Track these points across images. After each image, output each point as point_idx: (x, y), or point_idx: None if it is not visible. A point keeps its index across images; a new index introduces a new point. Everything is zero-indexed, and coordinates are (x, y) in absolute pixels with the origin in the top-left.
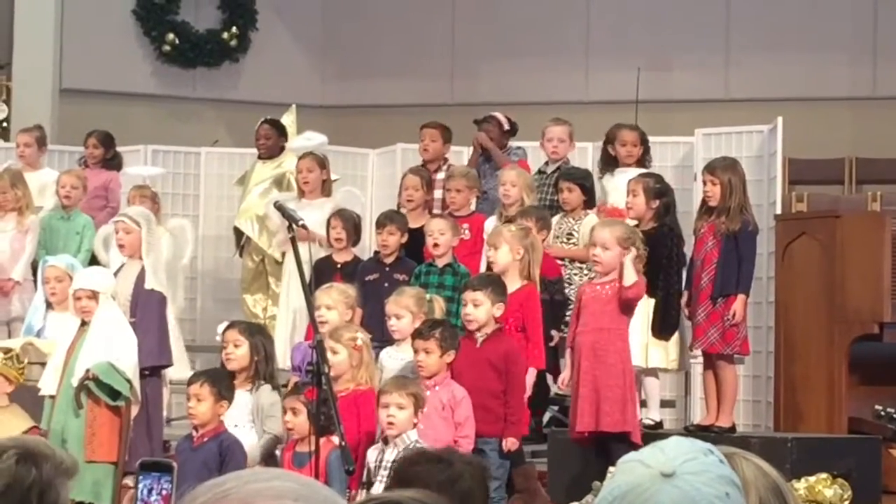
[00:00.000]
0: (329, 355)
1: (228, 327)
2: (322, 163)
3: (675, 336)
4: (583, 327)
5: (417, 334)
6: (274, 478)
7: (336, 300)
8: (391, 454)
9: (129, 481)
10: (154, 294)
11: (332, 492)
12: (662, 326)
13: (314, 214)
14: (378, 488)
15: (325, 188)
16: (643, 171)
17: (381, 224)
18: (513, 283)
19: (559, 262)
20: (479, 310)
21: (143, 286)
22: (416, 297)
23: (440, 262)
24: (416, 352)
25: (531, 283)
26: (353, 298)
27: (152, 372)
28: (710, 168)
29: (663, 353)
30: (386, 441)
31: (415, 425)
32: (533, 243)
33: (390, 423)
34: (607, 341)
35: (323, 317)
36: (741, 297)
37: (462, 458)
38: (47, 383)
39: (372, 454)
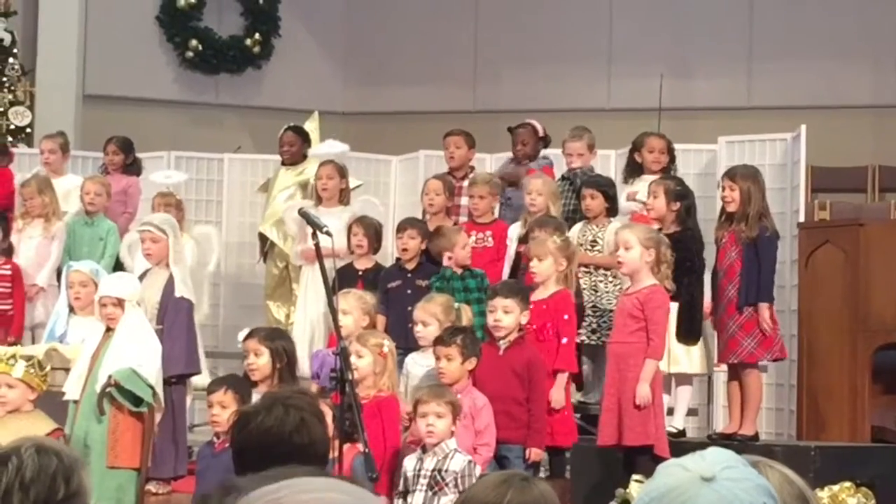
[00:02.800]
0: (354, 359)
1: (248, 336)
2: (342, 171)
3: (701, 341)
4: (611, 337)
5: (439, 341)
6: (326, 488)
7: (352, 305)
8: (430, 463)
9: (151, 487)
10: (183, 302)
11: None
12: (687, 331)
13: (332, 223)
14: (418, 497)
15: (344, 197)
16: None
17: (401, 229)
18: (548, 289)
19: (584, 269)
20: (509, 317)
21: (171, 293)
22: (444, 306)
23: (456, 268)
24: (437, 358)
25: (566, 288)
26: (370, 305)
27: (179, 379)
28: (730, 174)
29: (687, 358)
30: (424, 449)
31: (452, 433)
32: (574, 252)
33: (430, 432)
34: (629, 354)
35: (339, 321)
36: (764, 305)
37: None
38: (71, 388)
39: (409, 462)
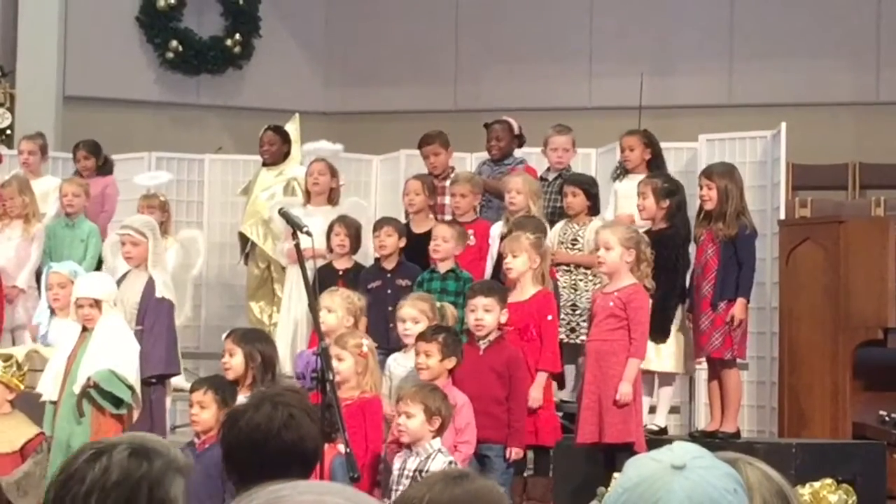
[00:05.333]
0: (335, 362)
1: (227, 335)
2: (334, 171)
3: (675, 339)
4: (590, 336)
5: (421, 336)
6: (328, 492)
7: (337, 304)
8: (413, 463)
9: None
10: (164, 303)
11: None
12: (657, 329)
13: (319, 222)
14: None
15: (332, 197)
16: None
17: (377, 227)
18: (527, 290)
19: (564, 267)
20: (490, 315)
21: (152, 295)
22: (431, 304)
23: (441, 268)
24: (417, 353)
25: (545, 288)
26: (358, 306)
27: (158, 380)
28: (707, 173)
29: (657, 356)
30: (411, 449)
31: (437, 433)
32: (546, 251)
33: (400, 431)
34: (610, 352)
35: (322, 319)
36: (741, 300)
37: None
38: (47, 388)
39: (397, 461)
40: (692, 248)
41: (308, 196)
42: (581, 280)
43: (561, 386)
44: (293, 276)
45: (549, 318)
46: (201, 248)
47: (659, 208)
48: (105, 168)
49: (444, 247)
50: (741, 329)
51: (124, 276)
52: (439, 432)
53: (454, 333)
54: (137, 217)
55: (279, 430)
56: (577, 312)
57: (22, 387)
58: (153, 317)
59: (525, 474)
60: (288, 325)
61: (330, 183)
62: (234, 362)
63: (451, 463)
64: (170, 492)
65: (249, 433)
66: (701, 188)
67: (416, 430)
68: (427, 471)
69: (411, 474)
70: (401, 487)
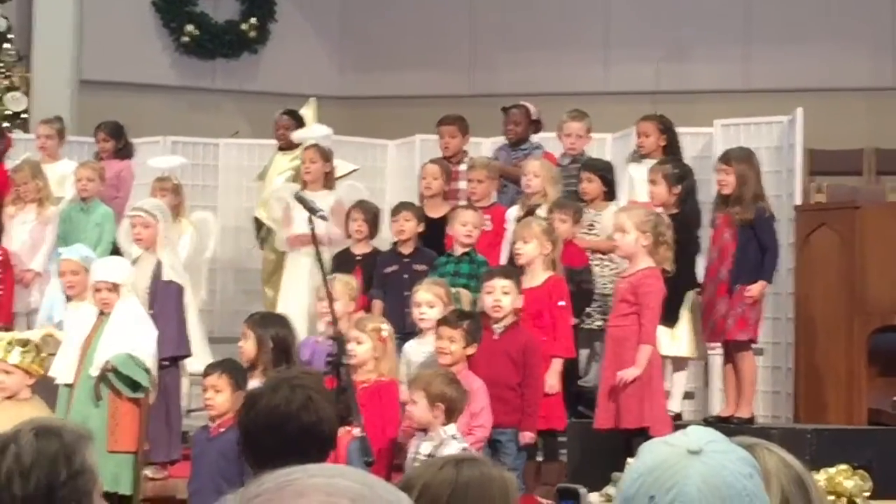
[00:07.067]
0: (353, 345)
1: (246, 319)
2: (325, 155)
3: (688, 323)
4: (608, 321)
5: (444, 321)
6: (338, 475)
7: (340, 291)
8: (427, 447)
9: (148, 472)
10: (172, 285)
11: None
12: (666, 312)
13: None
14: None
15: (328, 181)
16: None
17: (395, 212)
18: (538, 276)
19: None
20: (508, 298)
21: (160, 278)
22: (447, 288)
23: (458, 251)
24: (439, 338)
25: (556, 273)
26: (356, 290)
27: (171, 362)
28: (725, 158)
29: (671, 341)
30: (425, 432)
31: (447, 419)
32: (557, 238)
33: (409, 417)
34: (624, 337)
35: (325, 308)
36: (762, 282)
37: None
38: (62, 372)
39: (412, 445)
40: (708, 233)
41: (304, 183)
42: (597, 265)
43: (577, 373)
44: (293, 264)
45: (562, 303)
46: (212, 229)
47: (671, 194)
48: (124, 151)
49: (475, 233)
50: (756, 311)
51: (135, 260)
52: (450, 418)
53: (477, 320)
54: (148, 200)
55: (298, 412)
56: (593, 298)
57: (42, 372)
58: (162, 300)
59: (538, 459)
60: (289, 312)
61: (323, 168)
62: (247, 346)
63: (464, 450)
64: (86, 459)
65: (268, 415)
66: (718, 173)
67: (419, 416)
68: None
69: (424, 458)
70: None
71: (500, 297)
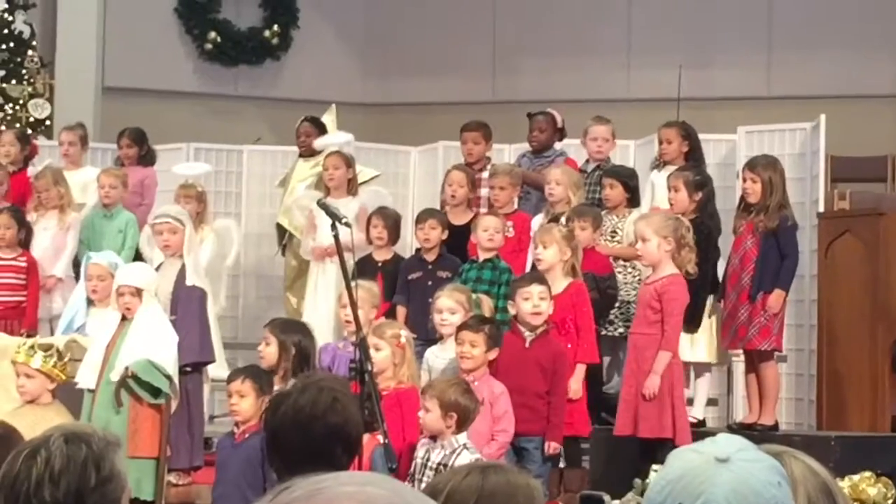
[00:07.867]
0: (372, 352)
1: (267, 324)
2: (348, 161)
3: (708, 329)
4: (632, 328)
5: (465, 326)
6: (369, 483)
7: (362, 298)
8: (437, 456)
9: (171, 478)
10: (195, 290)
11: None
12: (686, 318)
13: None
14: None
15: (351, 187)
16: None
17: (421, 219)
18: (559, 282)
19: None
20: (546, 304)
21: (183, 283)
22: (468, 295)
23: (482, 256)
24: (461, 343)
25: (577, 280)
26: (377, 297)
27: (194, 368)
28: (752, 165)
29: (690, 347)
30: (435, 439)
31: (458, 427)
32: (577, 244)
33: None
34: (646, 345)
35: (348, 315)
36: (778, 291)
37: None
38: (85, 377)
39: (420, 450)
40: (730, 240)
41: (327, 190)
42: (619, 272)
43: (601, 380)
44: (317, 272)
45: (585, 309)
46: (235, 237)
47: (692, 201)
48: (147, 158)
49: (497, 237)
50: (779, 320)
51: (158, 266)
52: (461, 427)
53: (497, 325)
54: (171, 206)
55: (325, 413)
56: (616, 305)
57: (64, 377)
58: (185, 305)
59: (560, 465)
60: (314, 320)
61: (346, 175)
62: (268, 351)
63: (477, 459)
64: (115, 465)
65: (294, 415)
66: (745, 181)
67: (431, 424)
68: (450, 466)
69: (435, 466)
70: (424, 478)
71: (539, 302)
